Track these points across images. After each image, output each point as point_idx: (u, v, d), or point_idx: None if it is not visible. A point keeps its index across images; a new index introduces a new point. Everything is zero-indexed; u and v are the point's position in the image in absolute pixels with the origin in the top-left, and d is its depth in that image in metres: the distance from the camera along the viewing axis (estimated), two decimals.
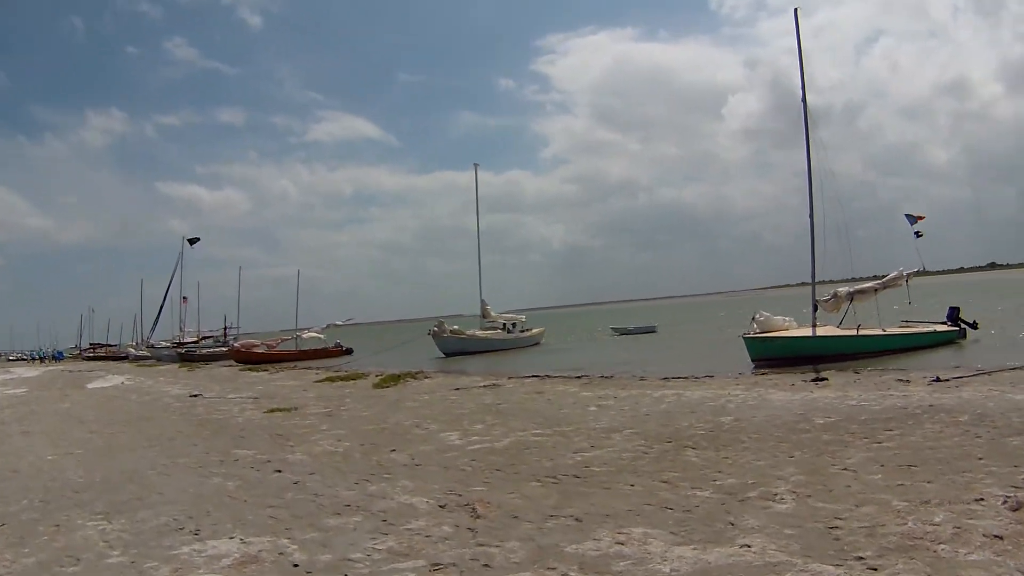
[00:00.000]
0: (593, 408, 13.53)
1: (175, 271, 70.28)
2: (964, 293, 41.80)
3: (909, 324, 27.40)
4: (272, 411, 16.34)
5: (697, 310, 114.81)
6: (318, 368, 34.76)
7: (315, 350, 52.05)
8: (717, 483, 7.25)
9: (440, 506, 7.21)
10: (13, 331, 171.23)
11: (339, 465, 9.73)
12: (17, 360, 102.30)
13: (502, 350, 44.08)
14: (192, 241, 69.82)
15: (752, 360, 23.12)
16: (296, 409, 16.46)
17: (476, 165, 51.98)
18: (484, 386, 18.95)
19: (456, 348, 41.90)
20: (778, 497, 6.58)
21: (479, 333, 45.92)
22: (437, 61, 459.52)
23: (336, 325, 58.51)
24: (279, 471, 9.48)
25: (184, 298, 70.73)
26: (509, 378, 21.27)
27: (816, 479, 7.12)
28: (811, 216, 24.92)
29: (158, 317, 73.10)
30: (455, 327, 44.26)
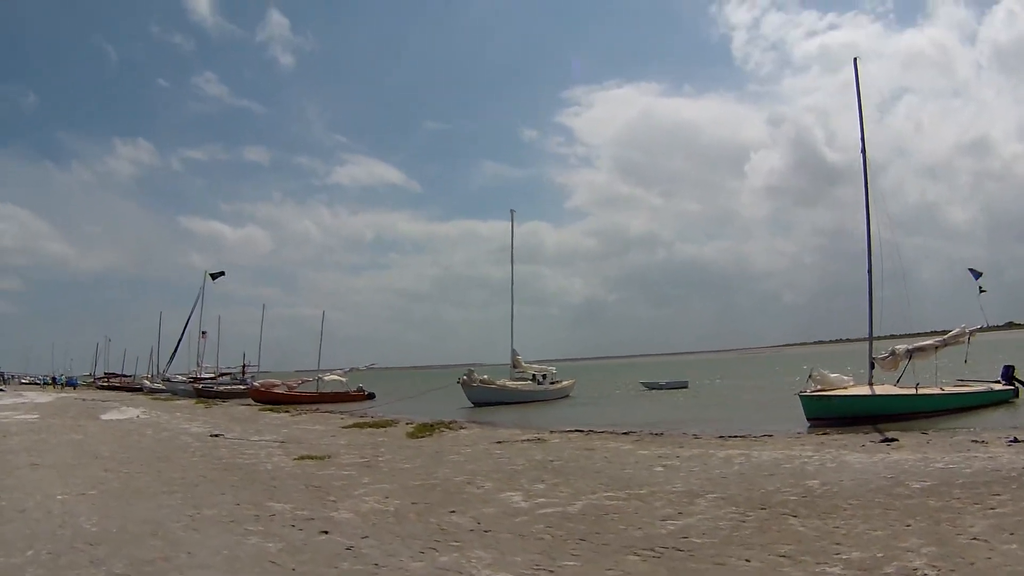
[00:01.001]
0: (659, 468, 12.46)
1: (196, 305, 69.86)
2: (994, 352, 39.99)
3: (964, 383, 26.23)
4: (303, 458, 15.09)
5: (718, 366, 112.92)
6: (341, 412, 33.48)
7: (336, 393, 50.81)
8: (842, 557, 6.51)
9: None
10: (29, 355, 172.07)
11: (393, 527, 8.51)
12: (30, 384, 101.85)
13: (532, 402, 42.64)
14: (215, 275, 69.27)
15: (808, 419, 22.04)
16: (329, 457, 15.20)
17: (512, 212, 50.80)
18: (528, 440, 17.72)
19: (485, 398, 40.47)
20: (920, 573, 5.96)
21: (509, 383, 44.42)
22: (462, 110, 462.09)
23: (358, 369, 57.33)
24: (326, 532, 8.26)
25: (203, 333, 70.20)
26: (551, 432, 20.05)
27: (949, 551, 6.52)
28: (869, 271, 24.68)
29: (176, 350, 72.56)
30: (485, 376, 42.89)
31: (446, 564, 6.83)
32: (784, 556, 6.63)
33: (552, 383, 47.31)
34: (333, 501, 10.22)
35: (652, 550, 7.09)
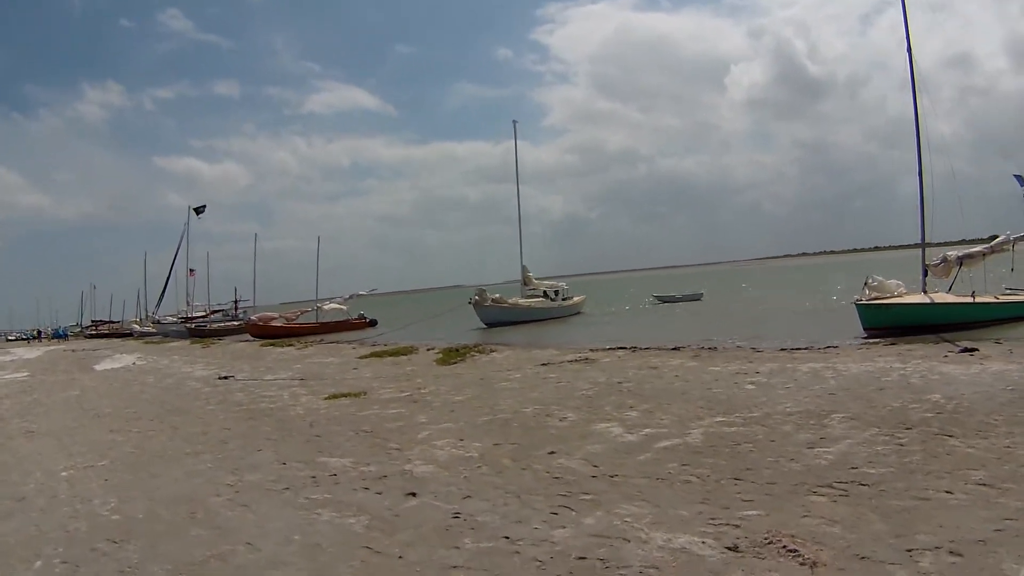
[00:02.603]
0: (749, 386, 10.87)
1: (181, 242, 67.73)
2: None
3: (1014, 292, 25.00)
4: (334, 397, 13.34)
5: (710, 278, 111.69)
6: (349, 342, 31.70)
7: (338, 322, 49.32)
8: None
9: (730, 548, 4.71)
10: (12, 311, 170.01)
11: (493, 480, 6.86)
12: (16, 340, 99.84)
13: (546, 320, 41.29)
14: (199, 210, 67.53)
15: (865, 328, 21.26)
16: (365, 394, 13.44)
17: (515, 123, 48.70)
18: (575, 360, 16.00)
19: (498, 318, 39.08)
20: None
21: (522, 302, 42.97)
22: (435, 31, 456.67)
23: (360, 295, 55.49)
24: (413, 494, 6.54)
25: (191, 270, 68.19)
26: (592, 351, 18.32)
27: None
28: (920, 175, 23.49)
29: (164, 291, 70.69)
30: (497, 296, 41.24)
31: (597, 528, 5.26)
32: (984, 484, 5.58)
33: (564, 299, 45.87)
34: (398, 449, 8.50)
35: (830, 486, 5.85)
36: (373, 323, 49.81)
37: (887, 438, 7.19)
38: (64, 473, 8.59)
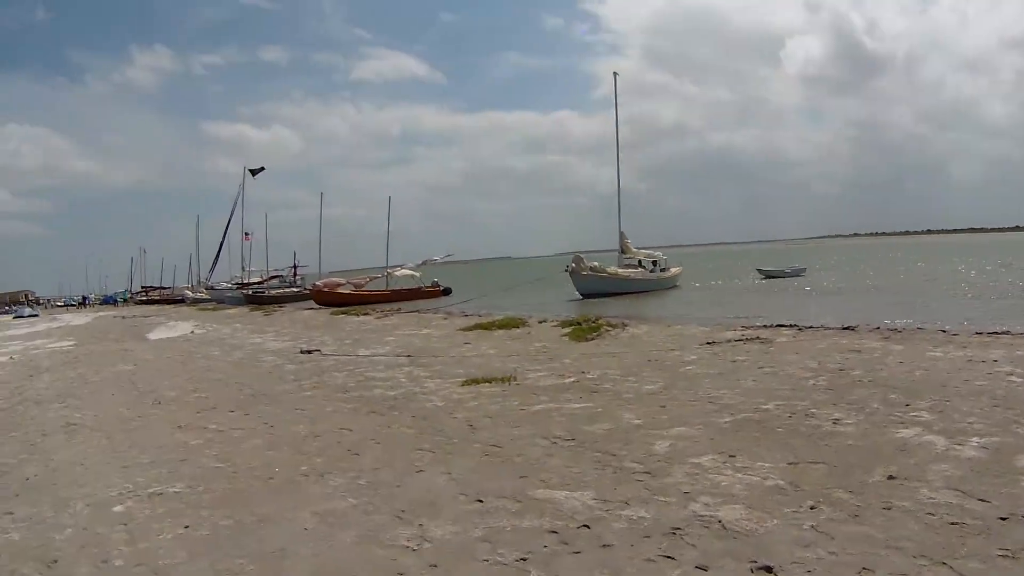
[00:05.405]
0: (1015, 379, 8.21)
1: (236, 204, 65.82)
2: None
3: None
4: (474, 382, 10.30)
5: (768, 257, 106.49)
6: (434, 311, 28.68)
7: (410, 290, 47.17)
8: None
9: None
10: (63, 276, 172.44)
11: (864, 530, 4.14)
12: (64, 307, 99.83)
13: (644, 292, 38.46)
14: (255, 171, 65.40)
15: None
16: (513, 380, 10.38)
17: (616, 74, 44.67)
18: (744, 340, 13.03)
19: (595, 288, 36.57)
20: None
21: (620, 272, 40.09)
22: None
23: (434, 261, 53.07)
24: (767, 569, 3.48)
25: (247, 234, 66.13)
26: (744, 327, 15.46)
27: None
28: None
29: (218, 255, 69.13)
30: (595, 264, 38.27)
31: None
32: None
33: (663, 271, 42.99)
34: (647, 473, 5.49)
35: None
36: (447, 291, 47.46)
37: None
38: (119, 507, 5.56)
